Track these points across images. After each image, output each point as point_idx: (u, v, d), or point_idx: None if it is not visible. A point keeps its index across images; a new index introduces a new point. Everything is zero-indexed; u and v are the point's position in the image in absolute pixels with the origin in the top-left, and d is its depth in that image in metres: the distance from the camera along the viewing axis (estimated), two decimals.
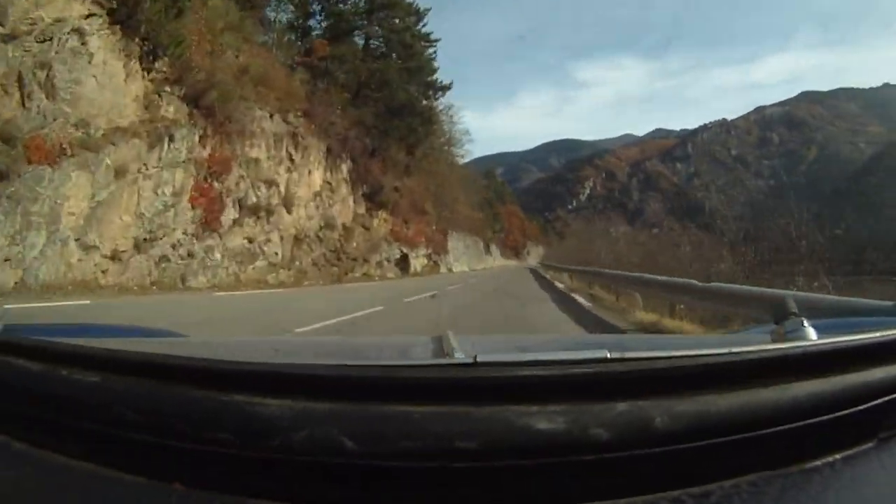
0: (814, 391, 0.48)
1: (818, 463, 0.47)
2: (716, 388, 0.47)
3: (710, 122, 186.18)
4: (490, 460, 0.42)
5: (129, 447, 0.47)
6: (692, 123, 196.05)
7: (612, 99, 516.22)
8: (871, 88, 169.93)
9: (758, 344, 0.62)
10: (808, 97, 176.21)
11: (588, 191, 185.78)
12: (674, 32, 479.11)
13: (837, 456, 0.48)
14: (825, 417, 0.48)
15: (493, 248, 73.11)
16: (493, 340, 1.23)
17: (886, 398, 0.51)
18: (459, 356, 0.57)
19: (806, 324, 0.64)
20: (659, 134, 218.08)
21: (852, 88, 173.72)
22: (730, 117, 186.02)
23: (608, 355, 0.50)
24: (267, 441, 0.43)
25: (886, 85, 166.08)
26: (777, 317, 0.68)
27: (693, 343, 0.96)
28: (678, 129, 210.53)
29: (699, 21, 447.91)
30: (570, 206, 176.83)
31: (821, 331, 0.63)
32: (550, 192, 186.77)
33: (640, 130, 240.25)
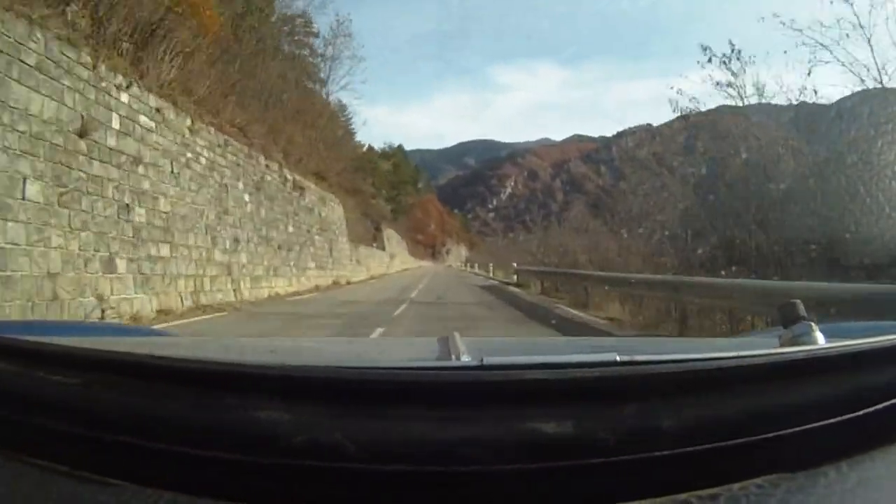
0: (821, 395, 0.50)
1: (825, 466, 0.47)
2: (724, 391, 0.48)
3: (635, 127, 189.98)
4: (497, 463, 0.42)
5: (114, 451, 0.46)
6: (610, 131, 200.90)
7: (530, 103, 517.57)
8: (787, 105, 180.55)
9: (766, 348, 0.64)
10: (727, 109, 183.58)
11: (509, 189, 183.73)
12: (592, 46, 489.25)
13: (844, 459, 0.48)
14: (832, 421, 0.49)
15: (393, 235, 49.81)
16: (500, 343, 1.26)
17: (893, 402, 0.52)
18: (466, 358, 0.59)
19: (814, 328, 0.65)
20: (577, 139, 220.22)
21: (769, 104, 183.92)
22: (654, 123, 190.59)
23: (617, 358, 0.51)
24: (265, 445, 0.43)
25: (803, 103, 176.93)
26: (785, 321, 0.68)
27: (701, 347, 1.00)
28: (596, 135, 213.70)
29: (616, 38, 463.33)
30: (490, 205, 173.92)
31: (829, 335, 0.65)
32: (469, 190, 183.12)
33: (559, 135, 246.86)
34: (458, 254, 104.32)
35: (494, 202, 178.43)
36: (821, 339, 0.63)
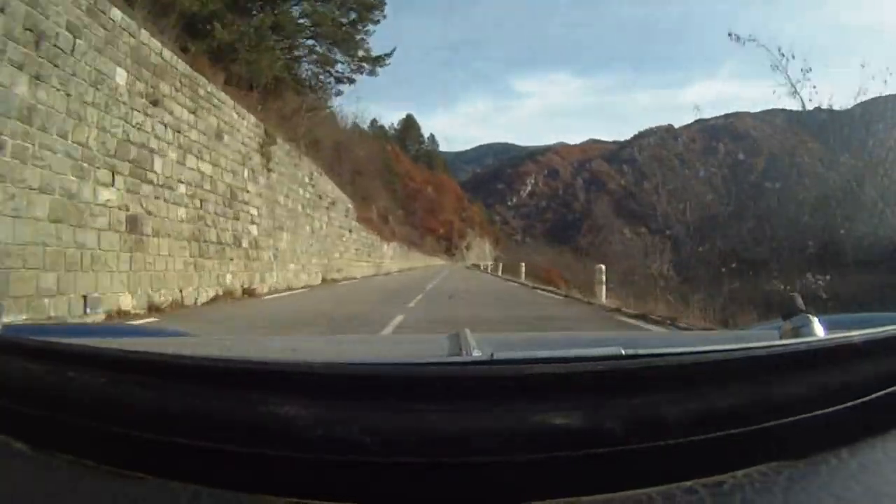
0: (822, 385, 0.52)
1: (826, 454, 0.49)
2: (727, 382, 0.49)
3: (656, 127, 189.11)
4: (508, 454, 0.44)
5: (139, 447, 0.48)
6: (626, 135, 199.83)
7: (547, 109, 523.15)
8: (801, 111, 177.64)
9: (767, 340, 0.66)
10: (743, 115, 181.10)
11: (529, 188, 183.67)
12: (608, 55, 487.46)
13: (845, 447, 0.50)
14: (833, 410, 0.51)
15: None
16: (508, 338, 1.28)
17: (891, 390, 0.54)
18: (476, 354, 0.61)
19: (813, 319, 0.68)
20: (593, 143, 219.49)
21: (784, 109, 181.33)
22: (675, 125, 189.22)
23: (622, 352, 0.53)
24: (285, 439, 0.45)
25: (818, 109, 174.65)
26: (785, 313, 0.71)
27: (704, 340, 1.05)
28: (611, 140, 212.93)
29: (632, 48, 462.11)
30: (509, 203, 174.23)
31: (828, 326, 0.68)
32: (488, 187, 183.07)
33: (575, 140, 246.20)
34: (481, 250, 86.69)
35: (514, 200, 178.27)
36: (820, 331, 0.66)
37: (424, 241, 64.16)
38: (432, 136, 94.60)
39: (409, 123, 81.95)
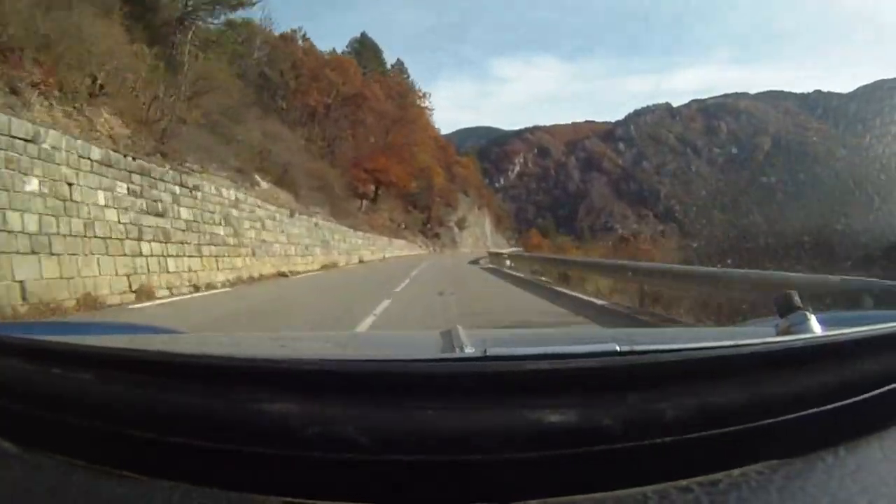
0: (818, 382, 0.53)
1: (822, 452, 0.50)
2: (723, 379, 0.50)
3: (653, 105, 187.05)
4: (504, 452, 0.44)
5: (129, 445, 0.48)
6: (614, 118, 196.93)
7: (531, 95, 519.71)
8: (802, 93, 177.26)
9: (763, 337, 0.66)
10: (742, 96, 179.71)
11: (518, 167, 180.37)
12: (594, 40, 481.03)
13: (841, 445, 0.51)
14: (829, 407, 0.52)
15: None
16: (502, 334, 1.29)
17: (888, 388, 0.55)
18: (469, 350, 0.61)
19: (810, 317, 0.69)
20: (585, 122, 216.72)
21: (783, 91, 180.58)
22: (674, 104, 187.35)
23: (617, 348, 0.53)
24: (277, 437, 0.45)
25: (818, 91, 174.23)
26: (782, 310, 0.73)
27: (700, 336, 1.05)
28: (602, 121, 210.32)
29: (619, 31, 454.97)
30: (497, 185, 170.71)
31: (825, 324, 0.70)
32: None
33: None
34: (481, 230, 61.47)
35: (502, 181, 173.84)
36: (816, 328, 0.67)
37: (378, 207, 35.13)
38: (401, 63, 63.57)
39: (365, 46, 52.39)
